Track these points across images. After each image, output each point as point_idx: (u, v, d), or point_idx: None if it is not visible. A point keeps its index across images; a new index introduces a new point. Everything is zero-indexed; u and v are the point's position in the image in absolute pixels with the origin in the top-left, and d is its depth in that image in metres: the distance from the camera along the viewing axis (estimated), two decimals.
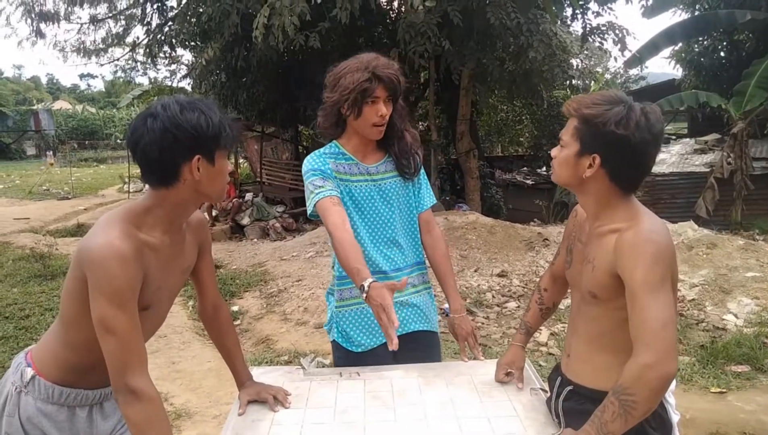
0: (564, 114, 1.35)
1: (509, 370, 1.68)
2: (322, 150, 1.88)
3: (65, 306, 1.35)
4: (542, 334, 4.21)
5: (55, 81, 64.70)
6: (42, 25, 10.26)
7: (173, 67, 13.50)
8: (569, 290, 1.56)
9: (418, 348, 1.92)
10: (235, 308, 5.27)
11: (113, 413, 1.46)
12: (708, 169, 9.64)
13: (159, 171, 1.28)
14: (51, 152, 26.59)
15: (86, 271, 1.23)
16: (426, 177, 2.02)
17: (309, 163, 1.83)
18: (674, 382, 1.32)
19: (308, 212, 1.81)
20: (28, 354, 1.42)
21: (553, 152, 1.38)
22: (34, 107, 35.17)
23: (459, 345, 1.94)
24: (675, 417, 1.33)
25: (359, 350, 1.89)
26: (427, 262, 2.00)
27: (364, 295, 1.46)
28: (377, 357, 1.87)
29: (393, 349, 1.39)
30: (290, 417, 1.54)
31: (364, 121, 1.77)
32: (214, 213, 10.16)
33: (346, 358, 1.91)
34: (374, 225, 1.86)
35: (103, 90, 54.33)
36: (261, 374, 1.75)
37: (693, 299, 4.79)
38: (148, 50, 10.02)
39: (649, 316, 1.15)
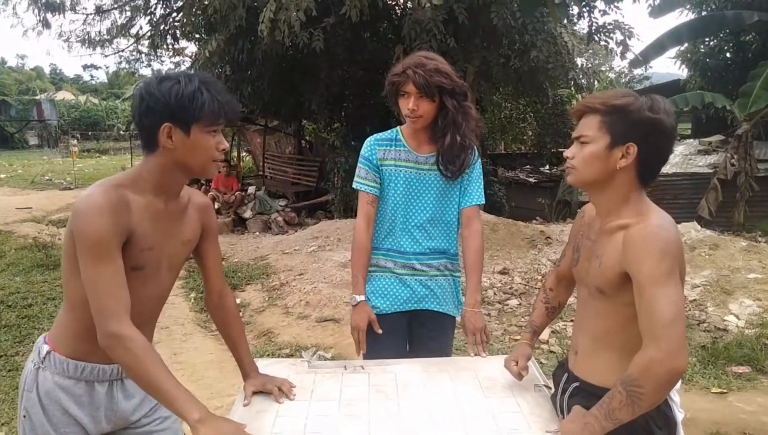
0: (583, 110, 1.33)
1: (515, 361, 1.66)
2: (380, 135, 2.06)
3: (63, 268, 1.39)
4: (543, 332, 4.22)
5: (58, 71, 64.54)
6: (48, 15, 10.23)
7: (177, 59, 13.46)
8: (575, 288, 1.56)
9: (428, 326, 2.07)
10: (237, 301, 5.27)
11: (136, 392, 1.48)
12: (711, 170, 9.60)
13: (142, 136, 1.36)
14: (75, 141, 26.36)
15: (72, 226, 1.29)
16: (481, 177, 2.07)
17: (364, 148, 2.06)
18: (679, 381, 1.33)
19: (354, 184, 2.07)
20: (46, 336, 1.46)
21: (570, 152, 1.35)
22: (37, 97, 35.10)
23: (467, 339, 1.98)
24: (679, 415, 1.34)
25: (375, 312, 2.01)
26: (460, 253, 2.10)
27: (352, 306, 1.81)
28: (392, 322, 2.02)
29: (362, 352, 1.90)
30: (295, 409, 1.55)
31: (401, 110, 1.93)
32: (216, 205, 10.17)
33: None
34: (409, 208, 2.00)
35: (106, 81, 54.26)
36: (266, 366, 1.76)
37: (695, 300, 4.79)
38: (151, 41, 10.00)
39: (658, 309, 1.15)
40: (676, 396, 1.34)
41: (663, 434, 1.28)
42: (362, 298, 1.96)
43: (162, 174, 1.37)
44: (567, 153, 1.37)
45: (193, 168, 1.39)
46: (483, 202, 2.07)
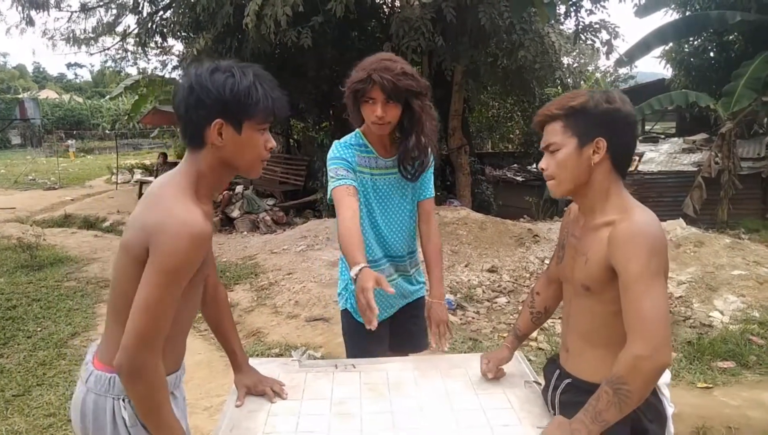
0: (543, 120, 1.35)
1: (487, 360, 1.69)
2: (348, 140, 1.94)
3: (121, 285, 1.26)
4: None
5: (41, 70, 63.74)
6: (32, 13, 10.10)
7: (164, 57, 13.36)
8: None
9: (410, 320, 2.10)
10: None
11: (180, 397, 1.46)
12: (696, 169, 9.73)
13: (188, 131, 1.26)
14: (73, 141, 25.91)
15: (154, 241, 1.17)
16: (432, 173, 2.06)
17: (335, 151, 1.90)
18: (668, 375, 1.35)
19: (327, 198, 1.88)
20: (105, 369, 1.31)
21: (544, 163, 1.36)
22: (20, 96, 34.65)
23: (431, 329, 1.99)
24: (670, 410, 1.36)
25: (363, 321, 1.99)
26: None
27: (354, 277, 1.52)
28: (377, 333, 1.94)
29: (371, 328, 1.44)
30: (287, 408, 1.55)
31: (365, 117, 1.85)
32: None
33: (353, 326, 2.02)
34: (391, 214, 1.98)
35: (91, 80, 53.66)
36: (257, 365, 1.74)
37: (680, 296, 4.85)
38: (138, 39, 9.90)
39: (643, 307, 1.17)
40: (666, 390, 1.36)
41: (654, 428, 1.29)
42: (363, 265, 1.55)
43: (213, 176, 1.29)
44: (541, 165, 1.38)
45: (240, 167, 1.30)
46: (434, 195, 2.09)
